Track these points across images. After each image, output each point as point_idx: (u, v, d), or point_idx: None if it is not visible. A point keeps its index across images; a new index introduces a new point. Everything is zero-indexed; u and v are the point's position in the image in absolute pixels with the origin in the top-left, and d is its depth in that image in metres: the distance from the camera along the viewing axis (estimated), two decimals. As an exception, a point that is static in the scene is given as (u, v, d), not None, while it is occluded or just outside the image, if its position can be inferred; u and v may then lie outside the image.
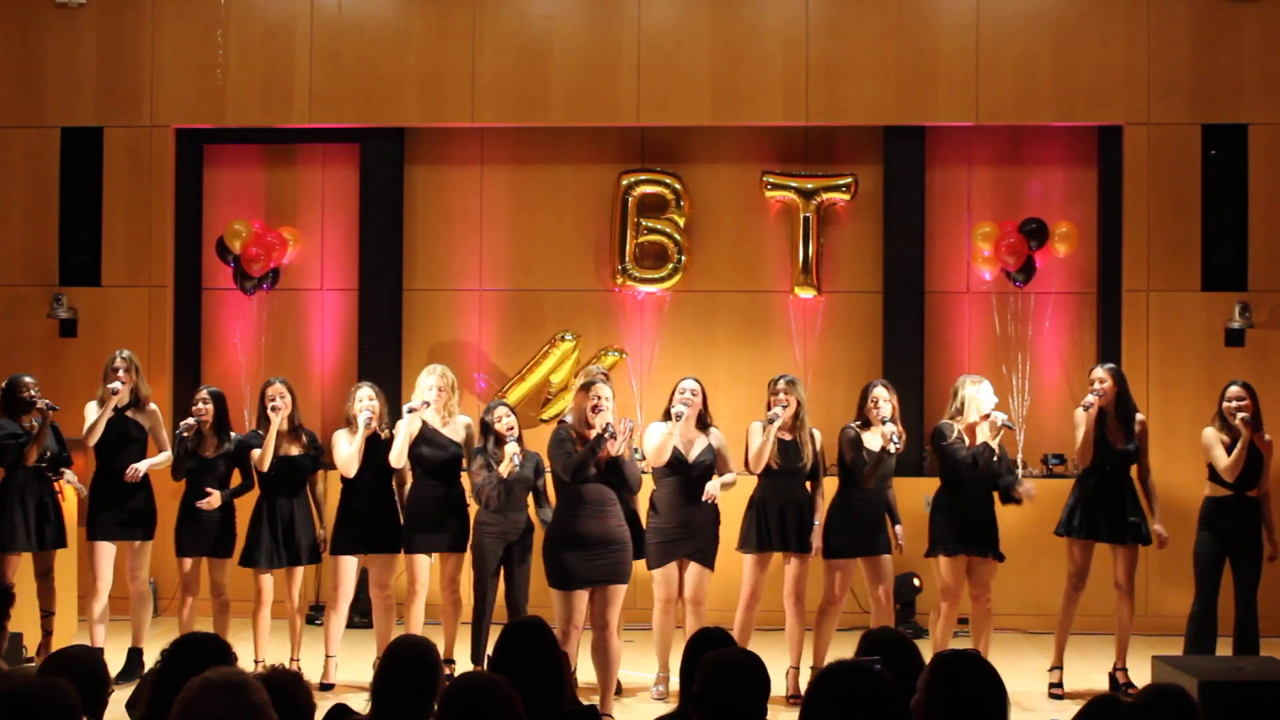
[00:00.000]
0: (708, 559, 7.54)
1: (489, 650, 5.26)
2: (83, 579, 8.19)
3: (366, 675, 7.82)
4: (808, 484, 7.57)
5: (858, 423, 7.55)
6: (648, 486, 7.50)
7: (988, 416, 7.45)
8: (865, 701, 3.23)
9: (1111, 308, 9.92)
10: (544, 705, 3.88)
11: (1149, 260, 9.79)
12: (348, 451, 7.63)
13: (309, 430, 7.93)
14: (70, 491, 8.08)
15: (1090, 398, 7.65)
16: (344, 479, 7.71)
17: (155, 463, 7.89)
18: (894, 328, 10.01)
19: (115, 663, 7.46)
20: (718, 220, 10.27)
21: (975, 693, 3.39)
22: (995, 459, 7.50)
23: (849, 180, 10.05)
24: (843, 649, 5.80)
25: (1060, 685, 7.66)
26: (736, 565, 7.64)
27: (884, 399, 7.48)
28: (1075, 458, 7.80)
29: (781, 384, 7.50)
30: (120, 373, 7.82)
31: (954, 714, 3.36)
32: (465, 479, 7.76)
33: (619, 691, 7.39)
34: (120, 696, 6.59)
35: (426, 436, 7.67)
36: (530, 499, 7.68)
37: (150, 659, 7.60)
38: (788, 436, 7.48)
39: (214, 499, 7.64)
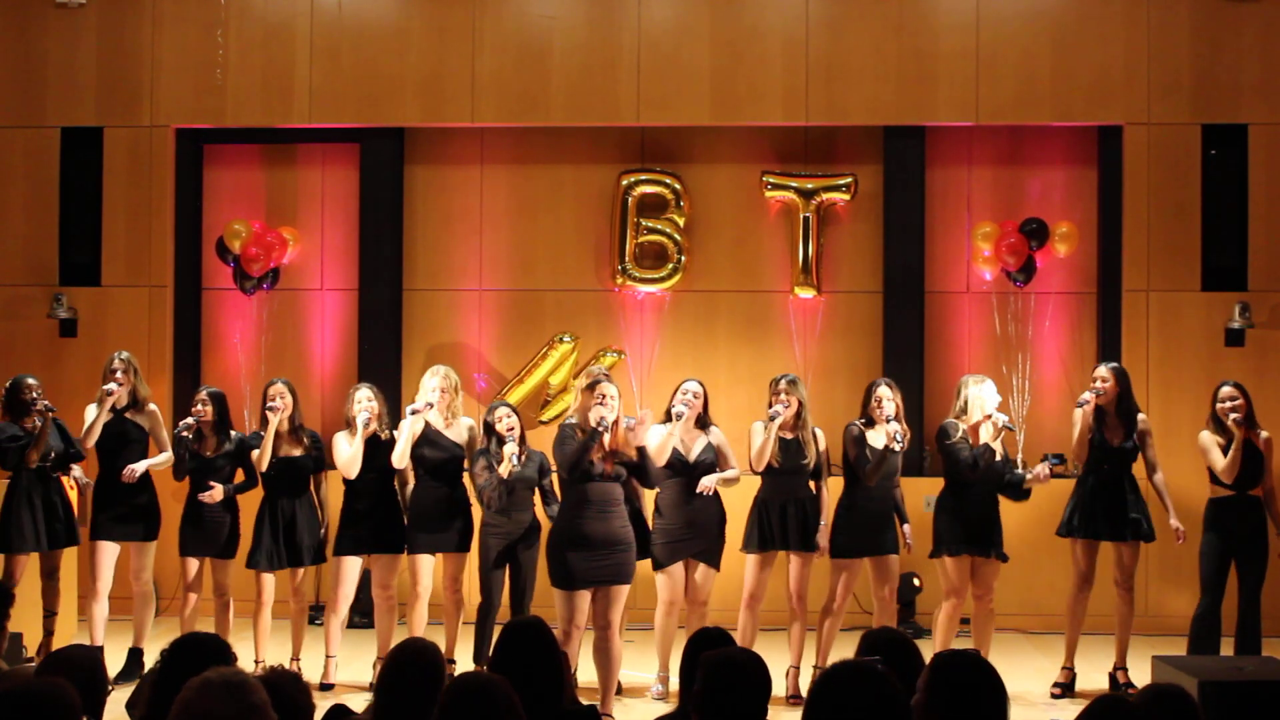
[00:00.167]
0: (714, 559, 7.55)
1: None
2: (83, 579, 8.18)
3: (366, 675, 7.83)
4: (812, 483, 7.57)
5: (862, 421, 7.56)
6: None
7: (990, 417, 7.45)
8: (868, 702, 3.23)
9: (1111, 308, 9.92)
10: (544, 705, 3.88)
11: (1149, 260, 9.79)
12: (348, 453, 7.63)
13: (311, 431, 7.92)
14: (78, 487, 8.08)
15: (1086, 395, 7.66)
16: (346, 480, 7.71)
17: (155, 463, 7.89)
18: (894, 328, 10.01)
19: (115, 663, 7.47)
20: (718, 220, 10.26)
21: (975, 693, 3.39)
22: (998, 459, 7.50)
23: (849, 180, 10.05)
24: (843, 649, 5.80)
25: (1069, 685, 7.66)
26: (740, 566, 7.65)
27: (888, 398, 7.49)
28: (1072, 455, 7.81)
29: (783, 384, 7.50)
30: (118, 374, 7.83)
31: (954, 714, 3.36)
32: (468, 479, 7.77)
33: (619, 691, 7.39)
34: (120, 696, 6.60)
35: (428, 438, 7.67)
36: (538, 498, 7.68)
37: (150, 659, 7.60)
38: (789, 435, 7.49)
39: (216, 492, 7.65)
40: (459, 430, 7.76)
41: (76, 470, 7.91)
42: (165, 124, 10.22)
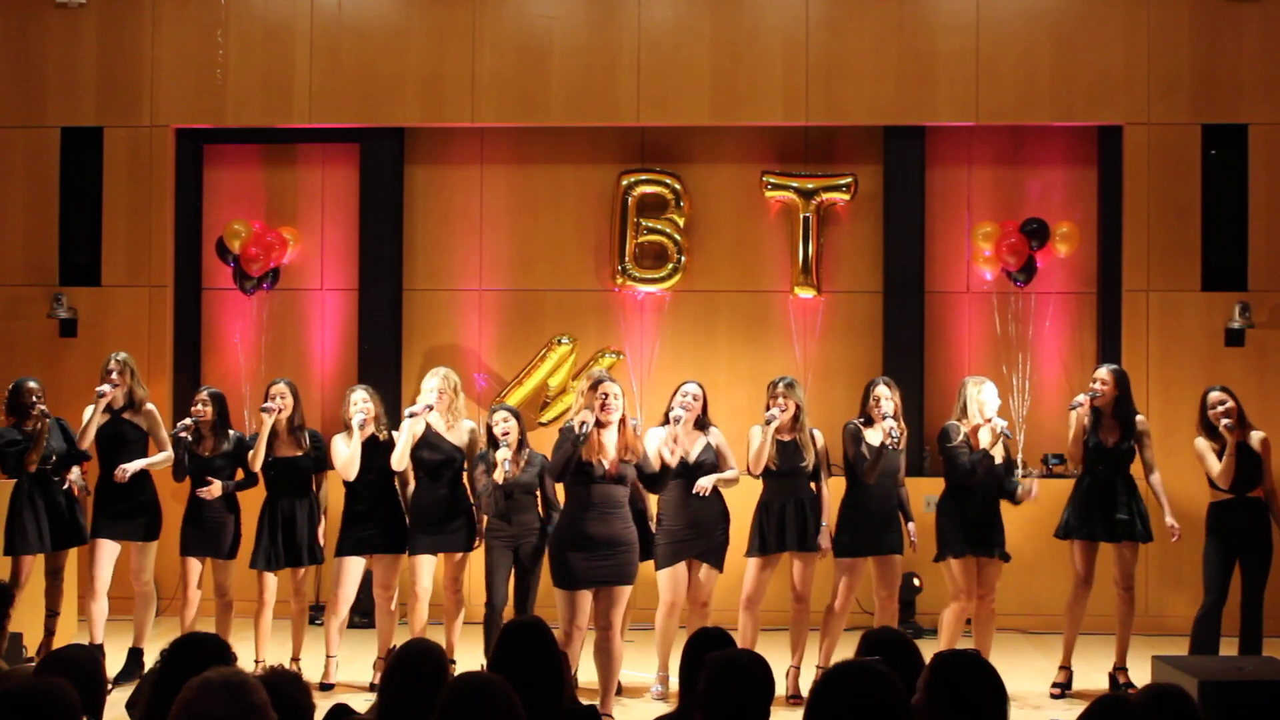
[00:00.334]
0: (717, 559, 7.56)
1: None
2: (82, 579, 8.18)
3: (366, 675, 7.83)
4: (813, 484, 7.57)
5: (861, 419, 7.56)
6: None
7: (989, 421, 7.45)
8: (870, 702, 3.23)
9: (1111, 308, 9.92)
10: (544, 705, 3.88)
11: (1149, 260, 9.79)
12: (345, 455, 7.63)
13: (313, 431, 7.91)
14: (81, 489, 8.07)
15: (1081, 397, 7.67)
16: (346, 481, 7.71)
17: (151, 463, 7.87)
18: (894, 328, 10.01)
19: (115, 663, 7.47)
20: (718, 220, 10.26)
21: (975, 693, 3.40)
22: (998, 463, 7.50)
23: (849, 180, 10.05)
24: (844, 649, 5.80)
25: (1066, 684, 7.66)
26: (742, 567, 7.65)
27: (886, 396, 7.49)
28: (1068, 457, 7.82)
29: (781, 386, 7.51)
30: (114, 375, 7.83)
31: (954, 714, 3.36)
32: (468, 481, 7.78)
33: (619, 692, 7.39)
34: (120, 696, 6.60)
35: (427, 440, 7.67)
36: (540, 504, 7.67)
37: (150, 659, 7.60)
38: (787, 437, 7.49)
39: (214, 487, 7.65)
40: (460, 432, 7.76)
41: (74, 474, 7.89)
42: (165, 124, 10.23)
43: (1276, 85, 9.81)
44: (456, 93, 10.12)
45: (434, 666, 3.79)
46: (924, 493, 8.71)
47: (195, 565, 7.74)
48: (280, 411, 7.74)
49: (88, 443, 7.82)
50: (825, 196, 10.04)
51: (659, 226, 10.09)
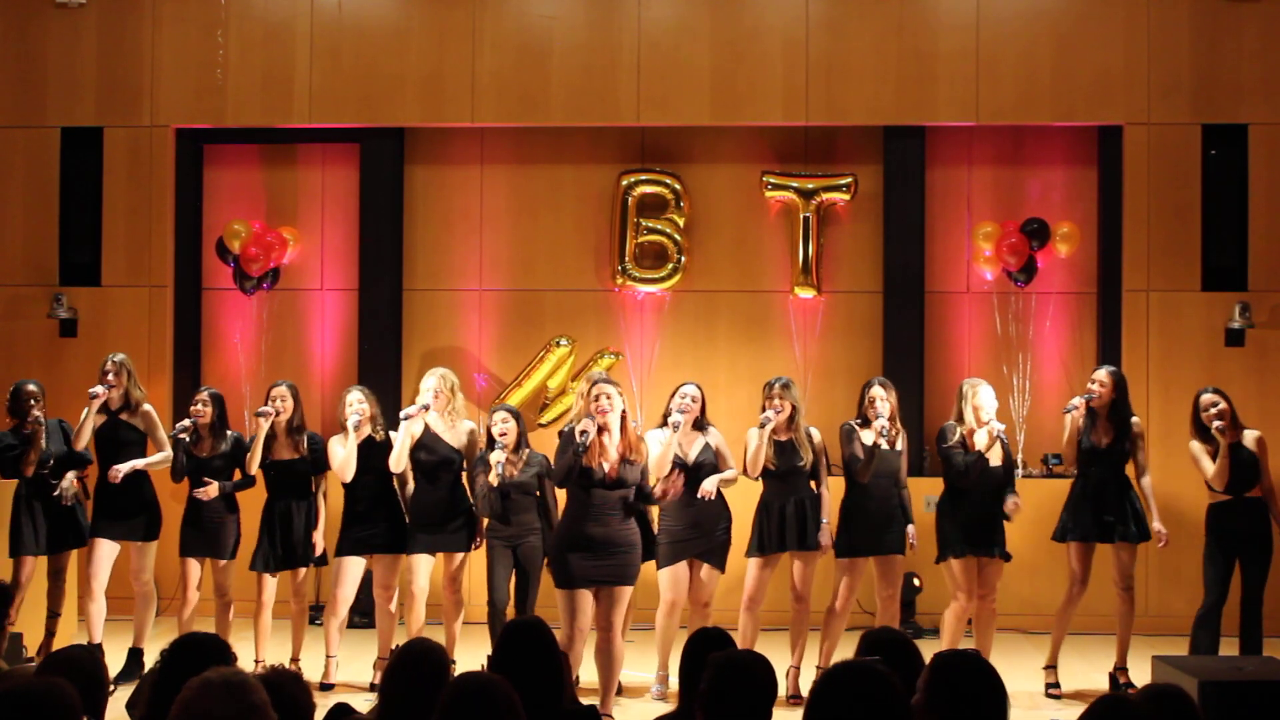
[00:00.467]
0: (718, 559, 7.56)
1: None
2: (82, 580, 8.17)
3: (366, 675, 7.83)
4: (812, 484, 7.57)
5: (857, 420, 7.57)
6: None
7: (985, 424, 7.46)
8: (870, 702, 3.23)
9: (1111, 308, 9.92)
10: (544, 705, 3.88)
11: (1149, 260, 9.79)
12: (341, 456, 7.63)
13: (312, 433, 7.90)
14: (78, 492, 8.01)
15: (1076, 400, 7.67)
16: (344, 482, 7.72)
17: (148, 463, 7.86)
18: (894, 328, 10.01)
19: (115, 663, 7.47)
20: (718, 220, 10.26)
21: (975, 693, 3.39)
22: (997, 464, 7.50)
23: (849, 180, 10.05)
24: (844, 649, 5.80)
25: (1057, 685, 7.67)
26: (743, 567, 7.65)
27: (881, 397, 7.50)
28: (1063, 456, 7.83)
29: (776, 388, 7.51)
30: (110, 376, 7.82)
31: (954, 714, 3.36)
32: (467, 481, 7.78)
33: (619, 692, 7.38)
34: (120, 696, 6.59)
35: (424, 441, 7.67)
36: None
37: (150, 659, 7.60)
38: (784, 437, 7.50)
39: (211, 488, 7.65)
40: (458, 433, 7.75)
41: (66, 481, 7.82)
42: (165, 124, 10.23)
43: (1276, 85, 9.81)
44: (456, 93, 10.12)
45: (435, 666, 3.79)
46: (924, 493, 8.71)
47: (194, 566, 7.74)
48: (279, 415, 7.74)
49: (83, 444, 7.81)
50: (825, 196, 10.04)
51: (659, 226, 10.09)
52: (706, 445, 7.57)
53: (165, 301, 10.20)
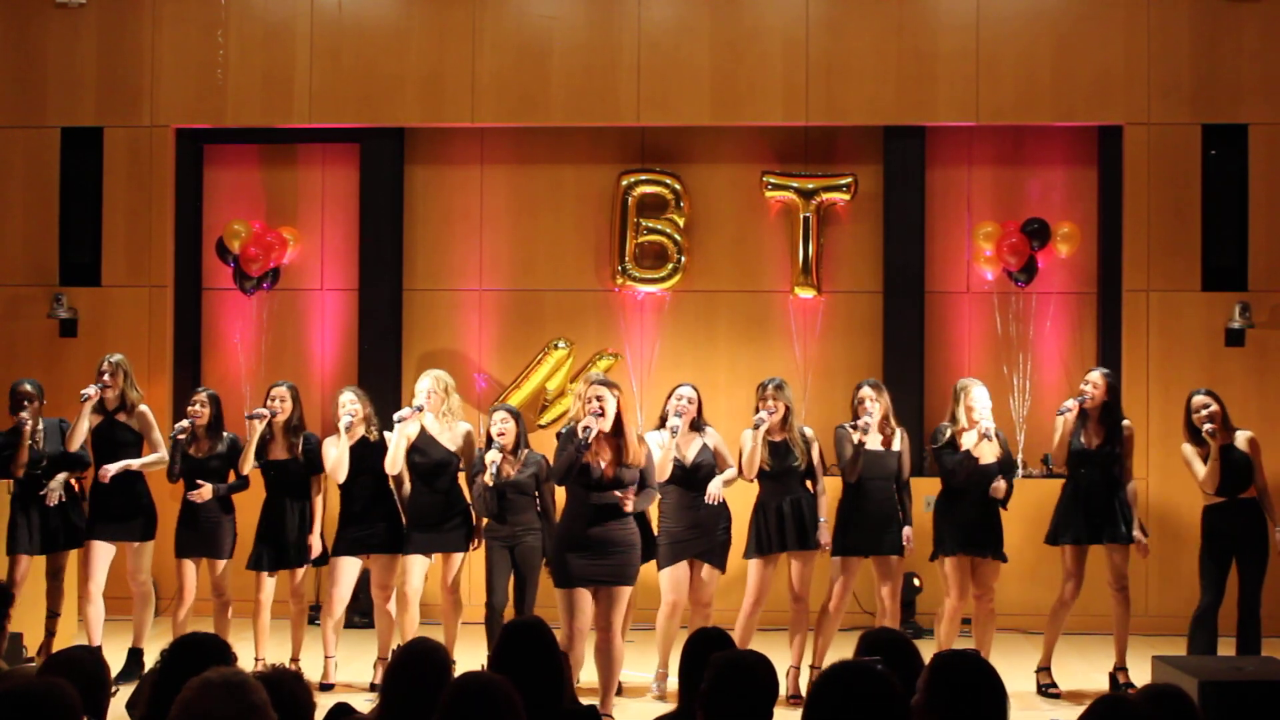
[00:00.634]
0: (718, 559, 7.57)
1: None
2: (80, 582, 8.17)
3: (366, 675, 7.83)
4: (807, 483, 7.58)
5: (851, 423, 7.58)
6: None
7: (976, 423, 7.47)
8: (868, 702, 3.23)
9: (1111, 308, 9.92)
10: (544, 705, 3.88)
11: (1149, 260, 9.79)
12: (334, 457, 7.63)
13: (309, 434, 7.90)
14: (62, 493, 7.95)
15: (1070, 402, 7.67)
16: (340, 483, 7.72)
17: (142, 463, 7.85)
18: (894, 328, 10.01)
19: (115, 663, 7.46)
20: (718, 220, 10.26)
21: (975, 693, 3.39)
22: (989, 463, 7.50)
23: (849, 180, 10.05)
24: (843, 649, 5.80)
25: (1054, 685, 7.66)
26: (742, 567, 7.66)
27: (870, 398, 7.51)
28: (1046, 455, 7.85)
29: (770, 388, 7.52)
30: (106, 376, 7.81)
31: (954, 714, 3.36)
32: (464, 481, 7.78)
33: (619, 692, 7.38)
34: (121, 696, 6.59)
35: (420, 442, 7.67)
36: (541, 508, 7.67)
37: (150, 659, 7.60)
38: (778, 438, 7.50)
39: (204, 491, 7.65)
40: (455, 434, 7.74)
41: (55, 482, 7.79)
42: (165, 124, 10.23)
43: (1276, 85, 9.81)
44: (456, 93, 10.12)
45: (436, 666, 3.79)
46: (924, 493, 8.70)
47: (190, 567, 7.74)
48: (276, 416, 7.74)
49: (77, 445, 7.79)
50: (825, 196, 10.04)
51: (659, 226, 10.09)
52: (704, 446, 7.58)
53: (165, 301, 10.20)
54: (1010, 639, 8.98)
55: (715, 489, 7.46)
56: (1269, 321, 9.73)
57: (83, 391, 7.72)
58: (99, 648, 7.28)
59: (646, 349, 10.18)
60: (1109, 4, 9.93)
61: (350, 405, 7.69)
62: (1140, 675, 7.48)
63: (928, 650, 3.98)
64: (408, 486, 7.77)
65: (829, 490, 7.64)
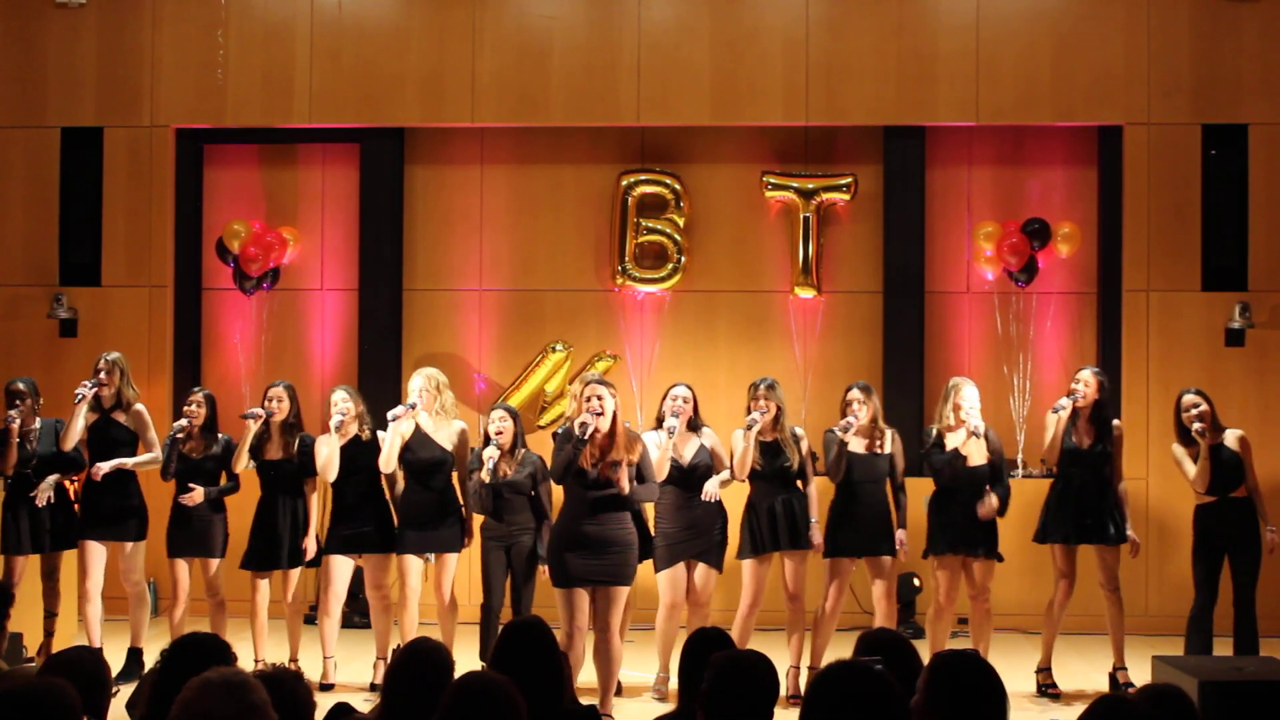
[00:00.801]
0: (715, 559, 7.57)
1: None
2: (79, 582, 8.17)
3: (366, 675, 7.83)
4: (799, 483, 7.58)
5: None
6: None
7: (964, 422, 7.47)
8: (866, 702, 3.23)
9: (1111, 308, 9.92)
10: (544, 705, 3.87)
11: (1149, 260, 9.79)
12: (325, 455, 7.64)
13: (305, 435, 7.88)
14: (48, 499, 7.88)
15: (1064, 400, 7.67)
16: (332, 482, 7.72)
17: (135, 462, 7.83)
18: (894, 328, 10.01)
19: (115, 663, 7.46)
20: (718, 220, 10.26)
21: (975, 693, 3.39)
22: (979, 464, 7.49)
23: (849, 180, 10.05)
24: (842, 649, 5.80)
25: (1054, 685, 7.66)
26: (737, 567, 7.66)
27: (859, 401, 7.52)
28: (1043, 457, 7.85)
29: (762, 388, 7.52)
30: (102, 374, 7.79)
31: (954, 714, 3.36)
32: (456, 481, 7.78)
33: (619, 692, 7.39)
34: (120, 696, 6.59)
35: (414, 441, 7.67)
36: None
37: (150, 659, 7.61)
38: (769, 438, 7.51)
39: (195, 494, 7.65)
40: (449, 433, 7.74)
41: (46, 481, 7.77)
42: (165, 124, 10.23)
43: (1276, 85, 9.81)
44: (456, 93, 10.12)
45: (437, 666, 3.78)
46: (923, 493, 8.71)
47: (183, 567, 7.74)
48: (273, 415, 7.74)
49: (71, 443, 7.77)
50: (825, 196, 10.04)
51: (659, 226, 10.09)
52: (702, 447, 7.58)
53: (165, 301, 10.20)
54: (1010, 639, 8.97)
55: (711, 487, 7.46)
56: (1269, 321, 9.72)
57: (76, 390, 7.72)
58: (100, 648, 7.29)
59: (646, 349, 10.18)
60: (1109, 4, 9.92)
61: (342, 404, 7.70)
62: (1140, 675, 7.48)
63: (926, 650, 3.98)
64: (400, 485, 7.78)
65: (822, 491, 7.65)
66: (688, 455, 7.53)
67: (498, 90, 10.11)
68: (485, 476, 7.37)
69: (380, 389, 9.30)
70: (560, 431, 6.98)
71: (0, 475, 7.80)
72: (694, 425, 7.62)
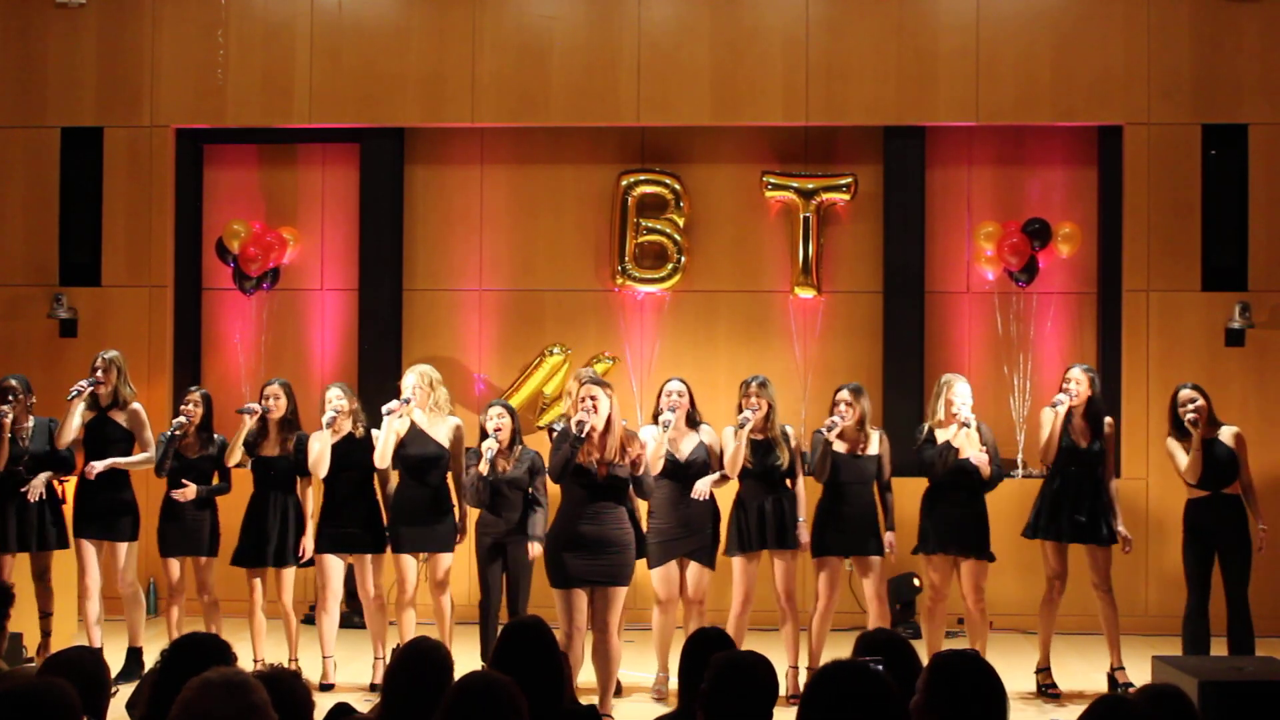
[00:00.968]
0: (707, 558, 7.57)
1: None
2: (79, 582, 8.17)
3: (366, 675, 7.83)
4: (788, 482, 7.59)
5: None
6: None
7: (955, 417, 7.48)
8: (863, 701, 3.23)
9: (1111, 308, 9.92)
10: (544, 705, 3.87)
11: (1149, 260, 9.79)
12: (317, 450, 7.64)
13: (301, 434, 7.88)
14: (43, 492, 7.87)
15: (1061, 397, 7.67)
16: (324, 479, 7.72)
17: (129, 462, 7.83)
18: (894, 328, 10.01)
19: (115, 663, 7.46)
20: (718, 220, 10.26)
21: (975, 693, 3.39)
22: (969, 458, 7.48)
23: (849, 180, 10.05)
24: (840, 649, 5.81)
25: (1054, 685, 7.66)
26: (728, 565, 7.66)
27: (846, 402, 7.53)
28: (1039, 456, 7.82)
29: (753, 386, 7.53)
30: (99, 372, 7.79)
31: (953, 714, 3.36)
32: (451, 479, 7.78)
33: (618, 692, 7.40)
34: (120, 696, 6.59)
35: (410, 437, 7.68)
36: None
37: (150, 658, 7.61)
38: (760, 436, 7.51)
39: (189, 490, 7.65)
40: (444, 429, 7.75)
41: (39, 478, 7.75)
42: (165, 124, 10.23)
43: (1276, 85, 9.81)
44: (456, 93, 10.12)
45: (437, 666, 3.78)
46: (917, 493, 8.72)
47: (176, 565, 7.74)
48: (270, 413, 7.75)
49: (66, 440, 7.77)
50: (825, 196, 10.04)
51: (659, 226, 10.09)
52: (700, 444, 7.58)
53: (165, 301, 10.20)
54: (1009, 639, 8.97)
55: (703, 486, 7.46)
56: (1269, 321, 9.73)
57: (72, 387, 7.72)
58: (99, 648, 7.29)
59: (646, 349, 10.18)
60: (1109, 4, 9.92)
61: (337, 401, 7.71)
62: (1139, 675, 7.47)
63: (924, 650, 3.98)
64: (393, 485, 7.78)
65: (810, 490, 7.65)
66: (686, 451, 7.53)
67: (498, 90, 10.12)
68: (484, 468, 7.37)
69: (380, 389, 9.28)
70: (558, 431, 6.99)
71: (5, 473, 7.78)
72: (694, 422, 7.62)
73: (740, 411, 7.47)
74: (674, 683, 6.42)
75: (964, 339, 10.21)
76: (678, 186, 10.10)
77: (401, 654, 3.85)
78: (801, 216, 10.02)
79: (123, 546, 7.80)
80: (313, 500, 7.88)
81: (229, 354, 10.40)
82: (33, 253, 10.25)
